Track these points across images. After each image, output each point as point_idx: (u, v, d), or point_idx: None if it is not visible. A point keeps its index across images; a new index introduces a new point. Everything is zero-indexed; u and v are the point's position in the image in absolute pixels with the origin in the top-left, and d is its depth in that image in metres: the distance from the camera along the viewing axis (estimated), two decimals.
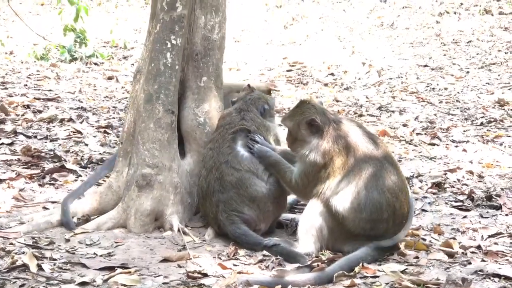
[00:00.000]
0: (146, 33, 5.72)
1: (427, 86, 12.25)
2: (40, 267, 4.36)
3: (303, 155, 4.95)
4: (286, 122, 5.15)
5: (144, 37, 5.81)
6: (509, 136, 8.84)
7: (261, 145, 5.23)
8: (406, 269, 4.60)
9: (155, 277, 4.38)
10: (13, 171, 6.46)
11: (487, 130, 9.19)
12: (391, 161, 4.93)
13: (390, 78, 12.84)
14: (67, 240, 4.91)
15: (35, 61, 13.36)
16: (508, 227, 5.60)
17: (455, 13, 17.00)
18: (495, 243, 5.19)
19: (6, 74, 11.52)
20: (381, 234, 4.80)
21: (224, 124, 5.43)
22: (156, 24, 5.35)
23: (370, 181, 4.77)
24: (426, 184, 6.72)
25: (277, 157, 5.17)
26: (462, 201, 6.27)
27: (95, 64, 13.53)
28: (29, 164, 6.70)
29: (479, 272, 4.54)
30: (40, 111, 8.80)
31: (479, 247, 5.08)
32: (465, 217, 5.85)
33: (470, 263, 4.75)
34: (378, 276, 4.49)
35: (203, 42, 5.67)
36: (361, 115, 9.89)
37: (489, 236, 5.34)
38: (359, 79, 12.95)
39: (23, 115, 8.54)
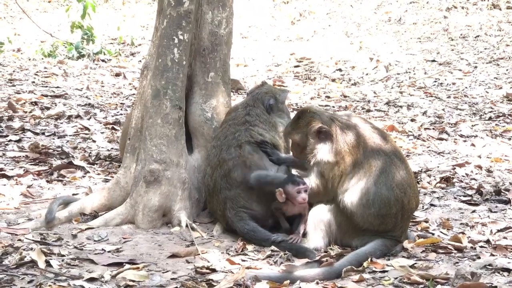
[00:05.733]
0: (153, 30, 5.71)
1: (435, 81, 12.23)
2: (48, 263, 4.36)
3: (316, 159, 4.89)
4: (292, 136, 5.07)
5: (151, 34, 5.80)
6: None
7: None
8: (415, 263, 4.58)
9: (163, 272, 4.37)
10: (21, 167, 6.48)
11: (496, 124, 9.17)
12: (399, 155, 4.92)
13: (398, 73, 12.83)
14: (75, 236, 4.91)
15: (42, 58, 13.39)
16: None
17: (462, 8, 16.94)
18: (504, 238, 5.18)
19: (13, 71, 11.55)
20: (390, 229, 4.79)
21: (228, 120, 5.39)
22: (163, 20, 5.33)
23: (379, 177, 4.75)
24: (435, 179, 6.70)
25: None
26: (470, 195, 6.26)
27: (103, 61, 13.55)
28: (37, 161, 6.71)
29: (488, 267, 4.52)
30: (47, 108, 8.81)
31: (488, 241, 5.07)
32: (474, 211, 5.83)
33: (479, 258, 4.73)
34: (386, 271, 4.47)
35: (210, 38, 5.66)
36: (369, 111, 9.88)
37: (498, 231, 5.32)
38: (367, 74, 12.93)
39: (30, 112, 8.55)
